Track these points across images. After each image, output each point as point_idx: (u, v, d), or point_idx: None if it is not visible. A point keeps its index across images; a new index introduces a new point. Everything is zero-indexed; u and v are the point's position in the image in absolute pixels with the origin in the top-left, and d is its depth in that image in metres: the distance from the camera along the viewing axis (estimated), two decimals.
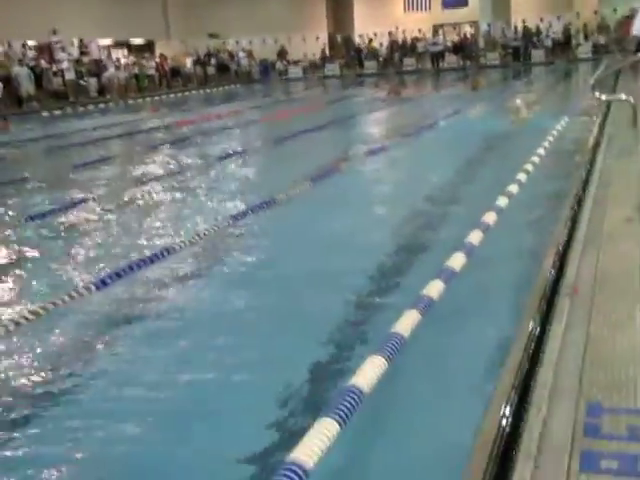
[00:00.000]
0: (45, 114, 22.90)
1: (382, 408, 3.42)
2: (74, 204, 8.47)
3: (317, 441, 2.53)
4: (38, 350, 4.48)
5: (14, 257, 6.59)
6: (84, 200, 8.63)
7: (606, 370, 3.15)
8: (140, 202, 8.66)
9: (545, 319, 3.83)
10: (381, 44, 37.75)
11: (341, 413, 2.72)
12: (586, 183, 6.80)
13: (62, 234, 7.32)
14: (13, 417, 3.72)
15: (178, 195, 8.97)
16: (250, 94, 28.17)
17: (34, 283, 5.81)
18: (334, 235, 6.50)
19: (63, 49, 26.86)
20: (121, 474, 3.24)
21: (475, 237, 5.26)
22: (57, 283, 5.68)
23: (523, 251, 5.60)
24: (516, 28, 35.07)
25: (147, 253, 5.95)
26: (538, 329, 3.74)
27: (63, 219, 7.84)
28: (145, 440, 3.43)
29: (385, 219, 7.23)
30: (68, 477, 3.23)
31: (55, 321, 4.75)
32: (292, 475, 2.35)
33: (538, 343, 3.55)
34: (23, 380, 4.11)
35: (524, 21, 35.18)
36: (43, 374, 4.17)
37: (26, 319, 4.46)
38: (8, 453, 3.40)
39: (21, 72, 23.82)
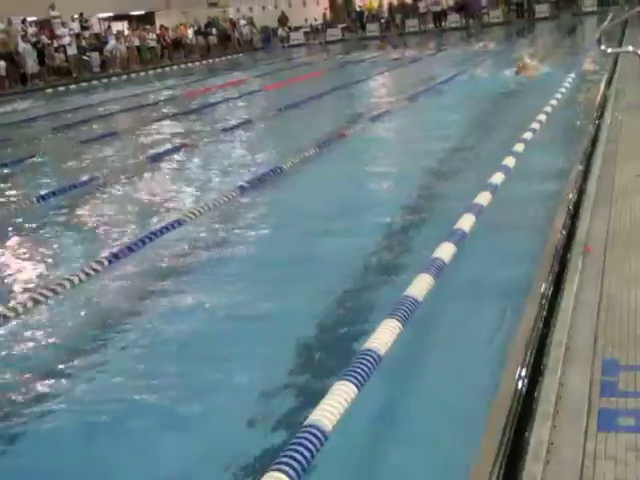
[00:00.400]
0: (49, 91, 22.75)
1: None
2: (85, 181, 8.46)
3: (336, 404, 2.56)
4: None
5: (26, 235, 6.64)
6: (93, 177, 8.61)
7: (621, 326, 3.17)
8: (150, 175, 8.67)
9: (559, 279, 3.83)
10: (380, 4, 37.30)
11: (358, 377, 2.74)
12: (595, 139, 6.76)
13: (71, 211, 7.35)
14: None
15: (190, 166, 8.99)
16: (253, 63, 27.95)
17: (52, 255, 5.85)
18: (341, 198, 6.53)
19: (63, 24, 26.61)
20: None
21: (484, 198, 5.24)
22: (71, 257, 5.73)
23: (532, 213, 5.56)
24: None
25: (158, 225, 5.98)
26: (551, 289, 3.75)
27: (72, 197, 7.85)
28: None
29: (391, 183, 7.20)
30: None
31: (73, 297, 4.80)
32: (312, 438, 2.38)
33: (552, 303, 3.57)
34: None
35: None
36: None
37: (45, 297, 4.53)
38: None
39: (26, 48, 23.68)
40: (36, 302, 4.51)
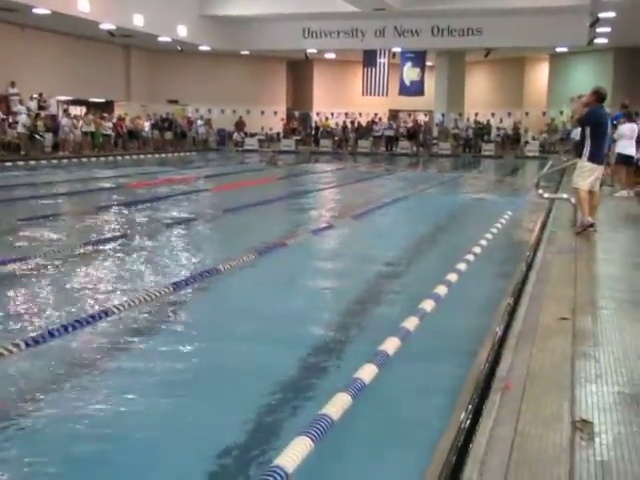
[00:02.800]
0: None
1: None
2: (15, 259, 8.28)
3: None
4: None
5: None
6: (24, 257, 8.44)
7: (531, 467, 3.17)
8: (82, 261, 8.54)
9: (476, 413, 3.85)
10: (337, 124, 38.66)
11: None
12: (525, 278, 6.96)
13: None
14: None
15: (125, 257, 8.90)
16: (205, 162, 28.33)
17: None
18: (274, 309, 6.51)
19: (21, 102, 26.74)
20: None
21: (411, 323, 5.31)
22: None
23: (457, 342, 5.63)
24: (468, 120, 36.35)
25: (83, 314, 5.87)
26: (468, 422, 3.76)
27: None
28: None
29: (321, 297, 7.22)
30: None
31: None
32: None
33: (467, 437, 3.57)
34: None
35: (476, 114, 36.49)
36: None
37: None
38: None
39: None
40: None
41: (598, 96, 9.39)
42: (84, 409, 4.34)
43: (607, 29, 26.44)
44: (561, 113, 34.35)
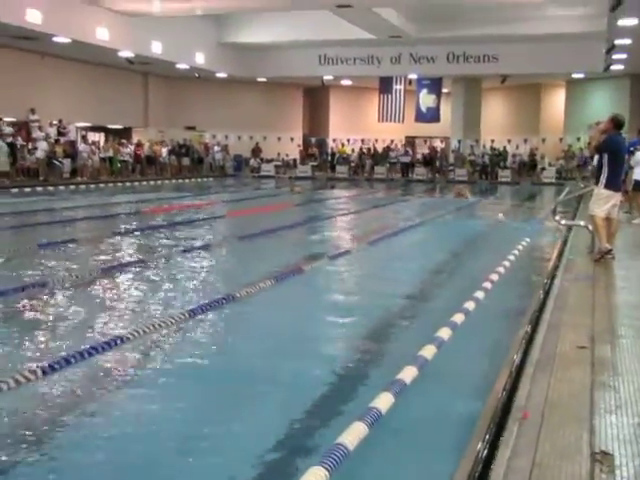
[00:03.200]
0: (14, 190, 22.84)
1: None
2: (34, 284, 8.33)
3: None
4: None
5: None
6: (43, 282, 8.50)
7: None
8: (100, 287, 8.58)
9: (494, 442, 3.81)
10: (353, 150, 38.87)
11: None
12: (543, 305, 6.91)
13: (16, 316, 7.18)
14: None
15: (142, 283, 8.92)
16: (222, 188, 28.48)
17: None
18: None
19: (41, 128, 27.08)
20: None
21: (428, 351, 5.28)
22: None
23: (475, 370, 5.59)
24: (484, 146, 36.39)
25: (101, 340, 5.88)
26: (486, 452, 3.71)
27: (18, 299, 7.71)
28: None
29: (338, 324, 7.18)
30: None
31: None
32: None
33: (485, 467, 3.53)
34: None
35: (492, 141, 36.53)
36: None
37: None
38: None
39: (1, 147, 23.99)
40: None
41: (615, 123, 9.38)
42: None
43: (623, 56, 26.42)
44: (578, 139, 34.31)
